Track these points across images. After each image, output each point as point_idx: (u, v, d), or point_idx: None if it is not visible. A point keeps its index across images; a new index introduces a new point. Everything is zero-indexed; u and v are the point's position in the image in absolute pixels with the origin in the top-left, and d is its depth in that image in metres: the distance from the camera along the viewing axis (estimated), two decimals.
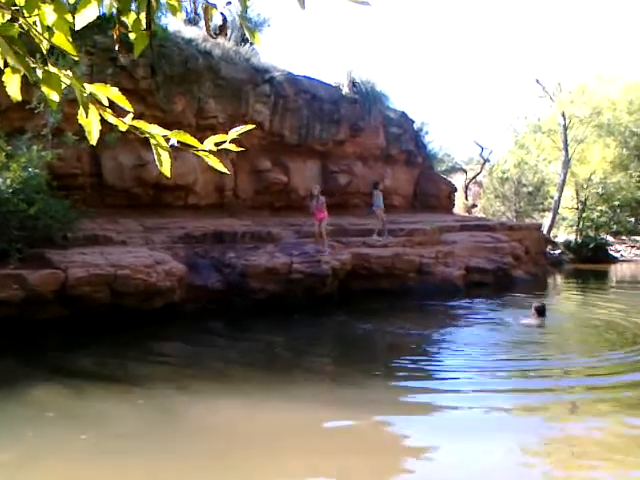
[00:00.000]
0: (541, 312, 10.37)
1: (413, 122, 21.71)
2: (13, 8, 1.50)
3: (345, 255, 12.95)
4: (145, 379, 6.72)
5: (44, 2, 1.46)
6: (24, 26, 1.51)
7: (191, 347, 8.95)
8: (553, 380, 6.90)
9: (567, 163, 28.57)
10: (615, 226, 30.38)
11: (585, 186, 30.08)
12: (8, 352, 7.56)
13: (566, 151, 28.58)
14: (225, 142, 1.69)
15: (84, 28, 1.60)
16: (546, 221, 29.12)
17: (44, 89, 1.57)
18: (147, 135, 1.66)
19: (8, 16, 1.50)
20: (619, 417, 5.40)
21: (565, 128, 28.70)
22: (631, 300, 13.90)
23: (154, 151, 1.68)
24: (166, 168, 1.70)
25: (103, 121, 1.65)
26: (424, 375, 7.05)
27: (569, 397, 6.26)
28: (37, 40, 1.53)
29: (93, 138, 1.66)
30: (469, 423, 5.36)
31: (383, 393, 6.24)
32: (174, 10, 1.64)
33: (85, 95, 1.56)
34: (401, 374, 6.98)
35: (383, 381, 6.66)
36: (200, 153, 1.70)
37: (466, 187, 34.62)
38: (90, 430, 4.99)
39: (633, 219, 30.73)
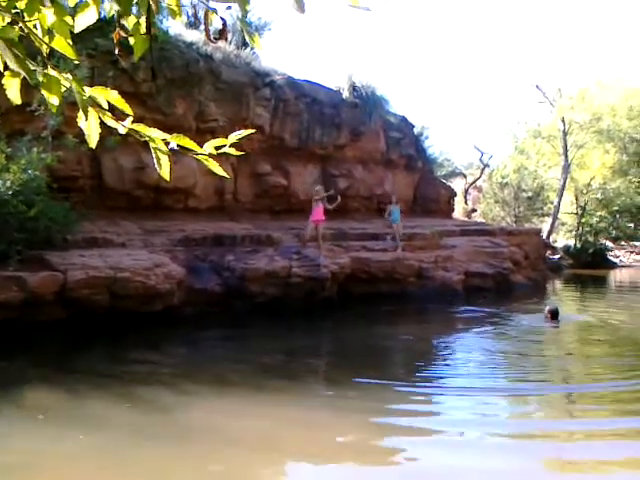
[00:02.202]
0: (555, 315, 10.54)
1: (413, 127, 21.71)
2: (13, 11, 1.50)
3: (344, 259, 12.95)
4: (143, 382, 6.71)
5: (44, 5, 1.46)
6: (24, 29, 1.52)
7: (190, 350, 8.95)
8: (557, 404, 6.46)
9: (567, 168, 28.59)
10: (614, 231, 30.36)
11: (585, 191, 30.06)
12: (5, 354, 7.54)
13: (566, 156, 28.61)
14: (225, 146, 1.69)
15: (85, 31, 1.60)
16: (545, 226, 29.11)
17: (44, 92, 1.57)
18: (147, 138, 1.66)
19: (8, 19, 1.50)
20: (629, 444, 5.09)
21: (565, 134, 28.73)
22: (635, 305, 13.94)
23: (153, 154, 1.68)
24: (165, 171, 1.69)
25: (103, 124, 1.65)
26: (421, 397, 6.51)
27: (576, 423, 5.78)
28: (37, 43, 1.54)
29: (93, 141, 1.66)
30: (469, 442, 5.09)
31: (380, 405, 6.03)
32: (174, 14, 1.64)
33: (85, 98, 1.56)
34: (396, 388, 6.62)
35: (380, 393, 6.41)
36: (199, 157, 1.69)
37: (466, 192, 34.58)
38: (87, 431, 4.98)
39: (632, 224, 30.71)
